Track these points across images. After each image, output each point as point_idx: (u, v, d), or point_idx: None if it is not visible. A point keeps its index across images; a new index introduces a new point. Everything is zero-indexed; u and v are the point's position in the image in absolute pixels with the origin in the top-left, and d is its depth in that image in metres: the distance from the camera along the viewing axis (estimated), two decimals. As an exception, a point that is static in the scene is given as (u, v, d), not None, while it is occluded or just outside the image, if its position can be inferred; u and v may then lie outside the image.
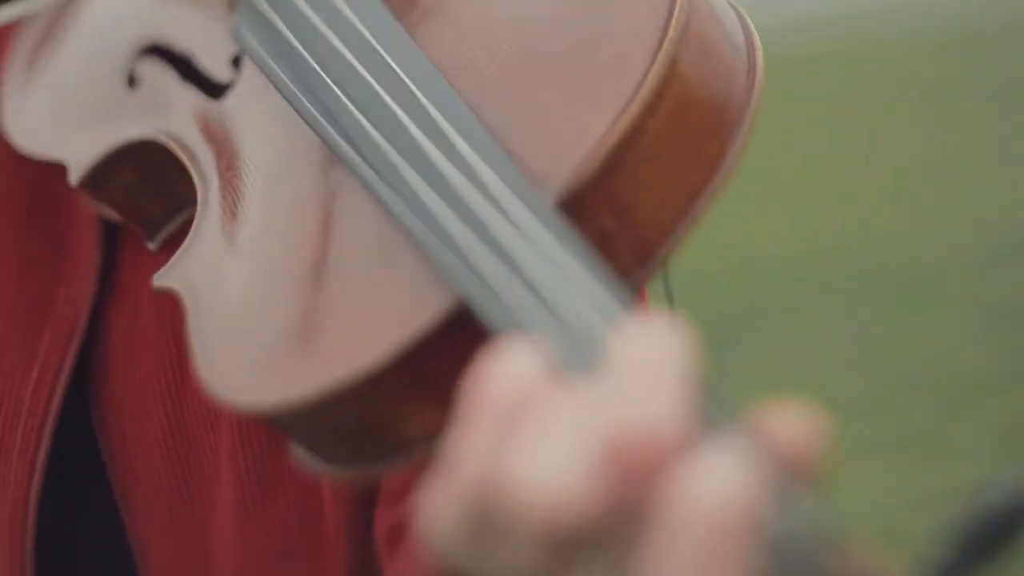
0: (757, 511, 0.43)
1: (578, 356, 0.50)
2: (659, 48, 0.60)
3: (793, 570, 0.43)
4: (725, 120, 0.62)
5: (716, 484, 0.43)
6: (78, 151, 0.83)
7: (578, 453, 0.45)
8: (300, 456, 0.66)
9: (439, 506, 0.49)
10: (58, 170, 0.87)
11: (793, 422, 0.46)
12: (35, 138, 0.87)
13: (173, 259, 0.73)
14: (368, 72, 0.68)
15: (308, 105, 0.70)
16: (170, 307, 0.83)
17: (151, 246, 0.84)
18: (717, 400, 0.47)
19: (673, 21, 0.61)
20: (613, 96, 0.60)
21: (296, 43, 0.73)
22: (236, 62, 0.80)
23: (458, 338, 0.59)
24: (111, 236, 0.89)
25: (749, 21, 0.67)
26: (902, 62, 18.60)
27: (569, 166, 0.59)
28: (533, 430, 0.47)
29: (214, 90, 0.80)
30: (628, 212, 0.60)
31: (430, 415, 0.60)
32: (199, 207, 0.75)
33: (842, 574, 0.43)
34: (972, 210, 7.74)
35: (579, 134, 0.60)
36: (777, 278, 6.73)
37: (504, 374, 0.48)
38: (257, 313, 0.68)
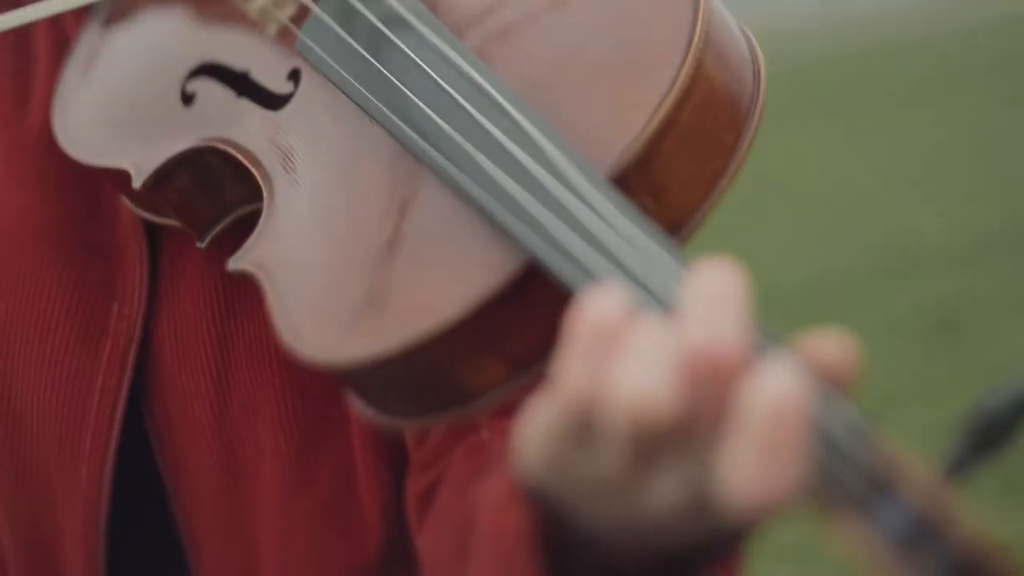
0: (807, 407, 0.53)
1: (649, 297, 0.62)
2: (687, 54, 0.73)
3: (836, 456, 0.54)
4: (738, 115, 0.75)
5: (775, 386, 0.55)
6: (140, 160, 0.93)
7: (662, 368, 0.57)
8: (362, 410, 0.76)
9: (541, 419, 0.60)
10: (102, 196, 0.95)
11: (830, 345, 0.57)
12: (94, 151, 0.97)
13: (244, 247, 0.83)
14: (442, 78, 0.79)
15: (382, 108, 0.81)
16: (211, 309, 0.93)
17: (200, 245, 0.94)
18: (767, 328, 0.57)
19: (697, 31, 0.74)
20: (650, 94, 0.71)
21: (369, 56, 0.84)
22: (294, 76, 0.90)
23: (520, 301, 0.70)
24: (153, 251, 0.97)
25: (751, 35, 0.82)
26: (800, 85, 19.00)
27: (615, 152, 0.70)
28: (624, 352, 0.58)
29: (273, 101, 0.91)
30: (662, 192, 0.72)
31: (491, 370, 0.71)
32: (266, 202, 0.85)
33: (873, 459, 0.54)
34: (871, 225, 7.95)
35: (624, 126, 0.71)
36: None
37: (597, 310, 0.59)
38: (335, 283, 0.78)
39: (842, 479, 0.55)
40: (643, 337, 0.58)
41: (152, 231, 1.00)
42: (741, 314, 0.57)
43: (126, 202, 0.97)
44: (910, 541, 0.53)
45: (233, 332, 0.97)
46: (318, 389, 0.96)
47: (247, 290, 0.93)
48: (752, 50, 0.80)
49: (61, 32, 1.02)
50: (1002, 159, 9.52)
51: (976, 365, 5.13)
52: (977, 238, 7.06)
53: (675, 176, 0.71)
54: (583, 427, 0.60)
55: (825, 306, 6.36)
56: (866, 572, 0.54)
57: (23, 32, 1.00)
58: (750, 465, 0.54)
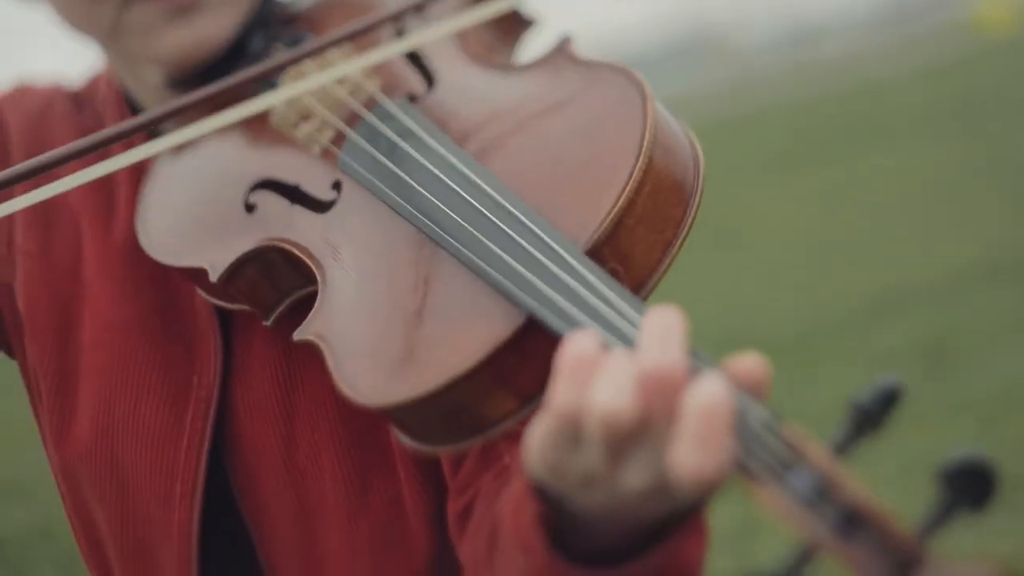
0: (731, 407, 0.74)
1: (616, 337, 0.83)
2: (639, 155, 0.94)
3: (753, 440, 0.74)
4: (683, 194, 0.96)
5: (706, 392, 0.75)
6: (215, 259, 1.12)
7: (626, 386, 0.78)
8: (405, 441, 0.96)
9: (539, 431, 0.82)
10: (181, 291, 1.15)
11: (747, 362, 0.79)
12: (175, 254, 1.17)
13: (306, 321, 1.03)
14: (453, 183, 1.00)
15: (406, 206, 1.03)
16: (276, 376, 1.13)
17: (266, 323, 1.13)
18: (700, 354, 0.80)
19: (646, 136, 0.95)
20: (613, 187, 0.93)
21: (393, 166, 1.06)
22: (336, 186, 1.11)
23: (521, 348, 0.90)
24: (224, 331, 1.17)
25: (688, 127, 1.03)
26: (763, 131, 19.10)
27: (589, 231, 0.92)
28: (598, 377, 0.79)
29: (321, 206, 1.11)
30: (627, 258, 0.93)
31: (503, 403, 0.91)
32: (320, 286, 1.05)
33: (781, 441, 0.74)
34: (845, 272, 8.08)
35: (595, 212, 0.92)
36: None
37: (577, 347, 0.81)
38: (379, 346, 0.98)
39: (759, 456, 0.74)
40: (611, 365, 0.78)
41: (223, 315, 1.21)
42: (680, 344, 0.78)
43: (201, 293, 1.17)
44: (812, 499, 0.71)
45: (295, 394, 1.17)
46: (367, 435, 1.15)
47: (304, 358, 1.17)
48: (691, 140, 1.01)
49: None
50: (973, 194, 9.64)
51: (962, 392, 5.26)
52: (957, 272, 7.20)
53: (637, 245, 0.92)
54: (571, 435, 0.80)
55: (817, 344, 6.49)
56: (784, 524, 0.72)
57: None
58: (690, 451, 0.73)
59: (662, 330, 0.78)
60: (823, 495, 0.71)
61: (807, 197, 11.72)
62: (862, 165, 12.60)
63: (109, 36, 1.24)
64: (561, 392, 0.79)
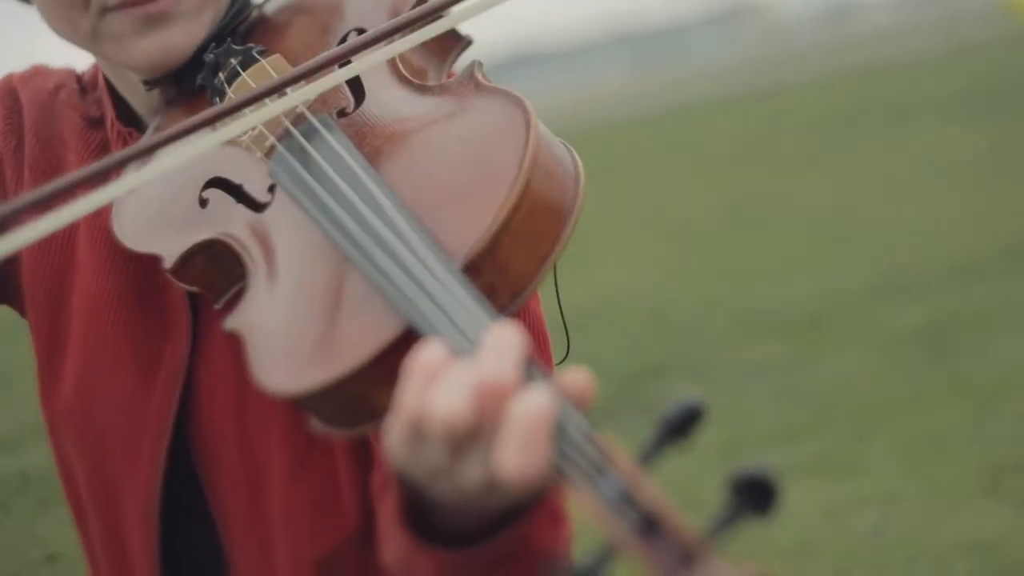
0: (553, 416, 0.83)
1: (466, 348, 0.91)
2: (517, 176, 1.02)
3: (570, 447, 0.82)
4: (561, 212, 1.04)
5: (531, 402, 0.83)
6: (170, 247, 1.23)
7: (463, 393, 0.86)
8: (316, 424, 1.06)
9: (391, 431, 0.92)
10: (156, 266, 1.28)
11: (574, 377, 0.87)
12: (139, 241, 1.27)
13: (233, 312, 1.12)
14: (357, 196, 1.09)
15: (319, 215, 1.11)
16: (234, 353, 1.24)
17: (217, 307, 1.23)
18: (534, 366, 0.87)
19: (526, 159, 1.03)
20: (494, 204, 1.01)
21: (312, 180, 1.14)
22: (271, 189, 1.20)
23: (402, 351, 0.97)
24: (195, 309, 1.29)
25: (574, 151, 1.11)
26: (794, 106, 18.91)
27: (468, 245, 1.00)
28: (440, 383, 0.88)
29: (258, 207, 1.20)
30: (504, 271, 1.00)
31: (392, 395, 0.98)
32: (249, 279, 1.14)
33: (595, 449, 0.82)
34: (860, 252, 8.12)
35: (474, 226, 1.00)
36: (693, 326, 7.01)
37: (426, 355, 0.89)
38: (289, 339, 1.07)
39: (574, 461, 0.81)
40: (452, 372, 0.87)
41: (195, 295, 1.31)
42: (515, 357, 0.86)
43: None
44: (618, 502, 0.78)
45: (249, 371, 1.28)
46: None
47: None
48: (574, 160, 1.09)
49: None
50: (1000, 178, 9.63)
51: (966, 378, 5.31)
52: (975, 256, 7.24)
53: (513, 258, 1.00)
54: (415, 433, 0.89)
55: (829, 323, 6.53)
56: (592, 523, 0.78)
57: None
58: (512, 454, 0.82)
59: (500, 344, 0.86)
60: (626, 499, 0.78)
61: (831, 175, 11.71)
62: (888, 144, 12.57)
63: (88, 42, 1.32)
64: (406, 394, 0.88)
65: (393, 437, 0.91)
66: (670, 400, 0.79)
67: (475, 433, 0.86)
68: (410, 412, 0.88)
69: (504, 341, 0.86)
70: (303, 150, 1.17)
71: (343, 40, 1.30)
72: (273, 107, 1.12)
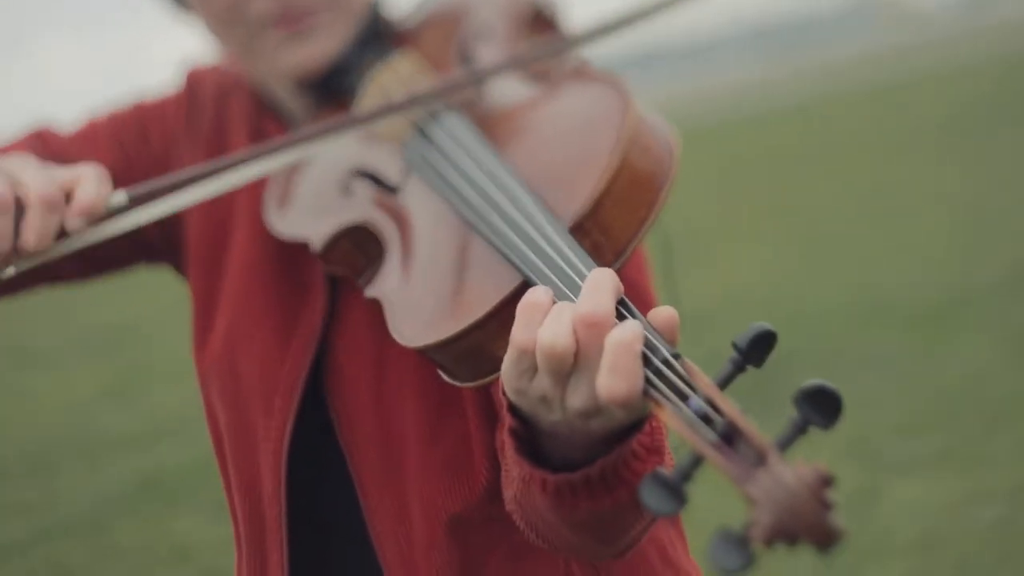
0: (642, 342, 0.94)
1: (569, 292, 1.05)
2: (615, 150, 1.17)
3: (657, 373, 0.94)
4: (655, 182, 1.19)
5: (623, 329, 0.95)
6: (317, 232, 1.40)
7: (565, 325, 0.98)
8: (444, 376, 1.21)
9: (505, 362, 1.04)
10: (303, 251, 1.39)
11: (662, 313, 0.98)
12: (289, 227, 1.46)
13: (373, 282, 1.31)
14: (481, 173, 1.28)
15: (448, 191, 1.29)
16: (370, 323, 1.35)
17: (359, 282, 1.39)
18: (628, 306, 1.00)
19: (625, 135, 1.18)
20: (596, 172, 1.15)
21: (443, 162, 1.33)
22: (405, 173, 1.39)
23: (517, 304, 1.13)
24: (333, 283, 1.40)
25: (670, 126, 1.26)
26: (931, 96, 18.62)
27: (575, 208, 1.14)
28: (548, 317, 1.00)
29: (393, 190, 1.39)
30: (607, 231, 1.14)
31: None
32: (387, 255, 1.32)
33: (681, 371, 0.94)
34: (993, 245, 8.03)
35: (580, 192, 1.15)
36: (821, 316, 6.99)
37: (533, 295, 1.01)
38: (422, 300, 1.22)
39: (662, 384, 0.94)
40: (556, 309, 1.00)
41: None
42: (610, 296, 0.98)
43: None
44: (704, 416, 0.90)
45: (386, 343, 1.37)
46: (444, 381, 1.33)
47: None
48: (670, 135, 1.23)
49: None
50: None
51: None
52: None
53: (615, 220, 1.15)
54: (527, 364, 1.01)
55: (954, 318, 6.47)
56: (681, 437, 0.90)
57: None
58: (607, 377, 0.94)
59: (597, 284, 0.99)
60: (708, 415, 0.90)
61: (967, 165, 11.52)
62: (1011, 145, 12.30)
63: (244, 56, 1.55)
64: (518, 330, 1.01)
65: (507, 370, 1.03)
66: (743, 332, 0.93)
67: (576, 361, 0.98)
68: (521, 344, 1.00)
69: (600, 282, 0.99)
70: (434, 137, 1.37)
71: (465, 47, 1.54)
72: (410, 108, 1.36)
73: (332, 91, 1.56)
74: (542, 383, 1.01)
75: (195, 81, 1.67)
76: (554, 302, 1.01)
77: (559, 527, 1.12)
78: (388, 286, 1.27)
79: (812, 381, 0.86)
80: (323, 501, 1.45)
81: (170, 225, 1.57)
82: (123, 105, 1.67)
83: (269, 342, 1.46)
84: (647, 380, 0.94)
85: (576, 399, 1.00)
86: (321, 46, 1.52)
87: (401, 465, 1.41)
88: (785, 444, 0.87)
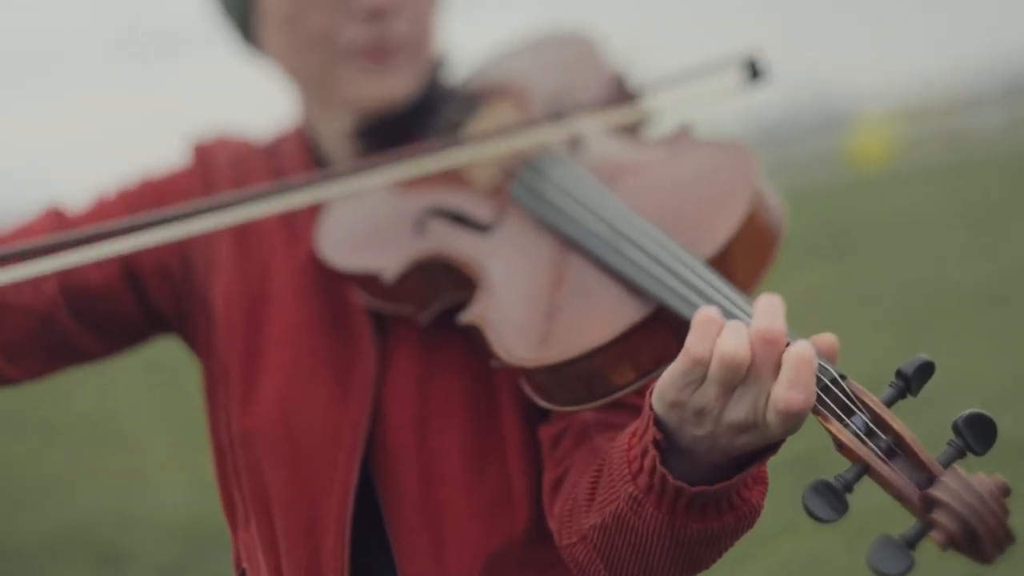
0: (816, 360, 1.04)
1: (729, 313, 1.13)
2: (747, 205, 1.25)
3: (827, 387, 1.05)
4: (774, 236, 1.28)
5: (802, 346, 1.00)
6: (387, 264, 1.44)
7: (744, 338, 1.06)
8: (537, 401, 1.27)
9: (671, 372, 1.10)
10: (343, 293, 1.52)
11: (825, 338, 1.08)
12: (349, 260, 1.49)
13: (467, 308, 1.35)
14: (602, 212, 1.33)
15: (565, 229, 1.34)
16: (416, 370, 1.48)
17: (422, 319, 1.44)
18: (791, 332, 1.08)
19: (754, 190, 1.26)
20: (727, 221, 1.25)
21: (557, 202, 1.39)
22: (499, 210, 1.45)
23: (646, 332, 1.20)
24: (379, 330, 1.51)
25: (774, 190, 1.32)
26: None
27: (706, 249, 1.23)
28: (725, 331, 1.07)
29: (482, 228, 1.44)
30: (731, 276, 1.21)
31: (626, 374, 1.22)
32: (481, 283, 1.36)
33: (847, 389, 1.05)
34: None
35: (711, 235, 1.24)
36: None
37: (709, 311, 1.09)
38: (527, 324, 1.28)
39: (830, 400, 1.05)
40: (733, 324, 1.08)
41: (377, 319, 1.51)
42: (783, 316, 1.07)
43: (363, 299, 1.50)
44: (868, 433, 1.02)
45: (431, 385, 1.46)
46: (488, 424, 1.45)
47: (440, 358, 1.48)
48: (778, 202, 1.32)
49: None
50: None
51: None
52: None
53: (739, 266, 1.24)
54: (697, 375, 1.08)
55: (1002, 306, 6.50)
56: (847, 451, 1.01)
57: None
58: (786, 388, 1.04)
59: (771, 305, 1.08)
60: (874, 431, 1.03)
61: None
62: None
63: (317, 82, 1.59)
64: (695, 340, 1.08)
65: (671, 382, 1.10)
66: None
67: (747, 374, 1.07)
68: (696, 355, 1.08)
69: (773, 303, 1.08)
70: (550, 174, 1.44)
71: (556, 103, 1.58)
72: (502, 147, 1.46)
73: (386, 137, 1.59)
74: (707, 394, 1.08)
75: (204, 152, 1.67)
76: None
77: (653, 550, 1.18)
78: (489, 310, 1.32)
79: (971, 410, 0.98)
80: (356, 547, 1.46)
81: (188, 295, 1.58)
82: (129, 182, 1.66)
83: (326, 399, 1.49)
84: (819, 395, 1.05)
85: (737, 411, 1.08)
86: (402, 84, 1.57)
87: (441, 507, 1.44)
88: (947, 463, 0.98)
